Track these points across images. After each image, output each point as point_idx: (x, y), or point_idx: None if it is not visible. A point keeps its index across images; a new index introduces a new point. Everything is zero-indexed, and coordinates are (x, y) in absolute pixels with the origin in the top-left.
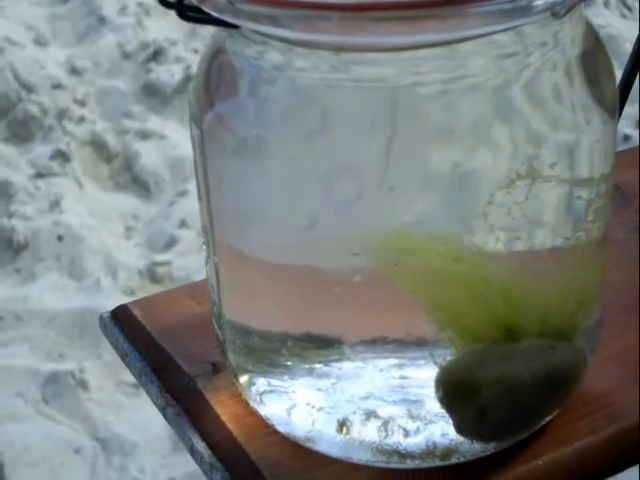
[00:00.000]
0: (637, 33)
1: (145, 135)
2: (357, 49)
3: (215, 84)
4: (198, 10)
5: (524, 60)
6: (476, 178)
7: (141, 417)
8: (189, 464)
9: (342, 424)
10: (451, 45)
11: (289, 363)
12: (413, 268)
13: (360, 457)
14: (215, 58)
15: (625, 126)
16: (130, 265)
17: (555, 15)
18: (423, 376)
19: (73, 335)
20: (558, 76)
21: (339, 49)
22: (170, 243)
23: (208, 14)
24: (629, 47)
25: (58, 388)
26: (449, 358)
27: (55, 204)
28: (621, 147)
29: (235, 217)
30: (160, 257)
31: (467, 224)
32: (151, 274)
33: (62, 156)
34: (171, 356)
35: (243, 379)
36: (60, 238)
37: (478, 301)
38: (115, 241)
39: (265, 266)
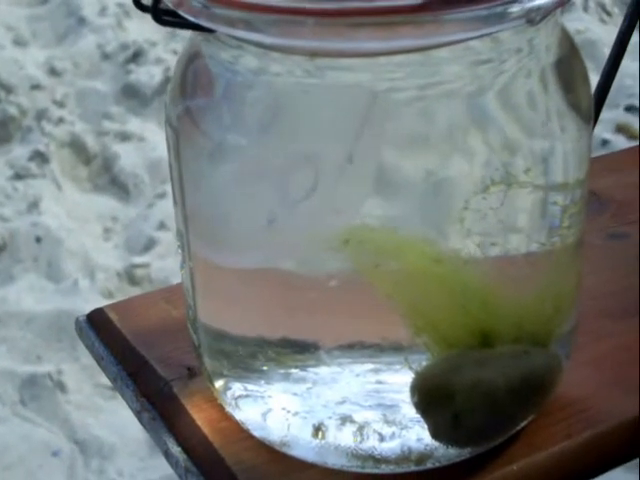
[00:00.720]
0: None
1: (124, 137)
2: (332, 54)
3: (191, 88)
4: (174, 14)
5: (499, 67)
6: (451, 184)
7: (119, 420)
8: (167, 467)
9: (317, 429)
10: (427, 51)
11: (265, 368)
12: (392, 270)
13: (335, 462)
14: (191, 62)
15: (604, 131)
16: (108, 267)
17: (530, 22)
18: (399, 381)
19: (51, 337)
20: (533, 83)
21: (314, 54)
22: (149, 245)
23: (184, 18)
24: (608, 52)
25: (36, 390)
26: (424, 363)
27: (33, 205)
28: (599, 152)
29: (210, 221)
30: (139, 259)
31: (443, 229)
32: (129, 276)
33: (41, 157)
34: (147, 360)
35: (218, 384)
36: (38, 240)
37: (454, 306)
38: (93, 243)
39: (240, 270)
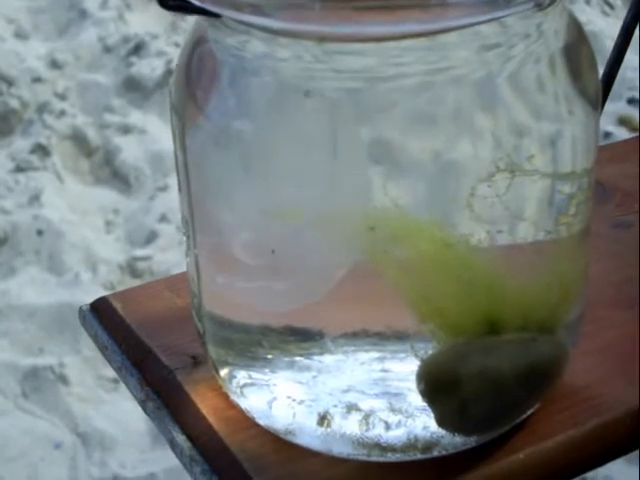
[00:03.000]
0: (619, 30)
1: (126, 129)
2: (340, 39)
3: (196, 74)
4: None
5: (507, 52)
6: (459, 169)
7: (121, 412)
8: (169, 459)
9: (323, 417)
10: (434, 36)
11: (270, 356)
12: (399, 256)
13: (341, 450)
14: (196, 48)
15: (606, 123)
16: (110, 260)
17: (539, 6)
18: (404, 369)
19: (53, 330)
20: (541, 68)
21: (322, 39)
22: (150, 238)
23: (190, 3)
24: (610, 44)
25: (38, 383)
26: (430, 351)
27: (35, 198)
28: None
29: (216, 209)
30: (140, 252)
31: (450, 216)
32: (131, 269)
33: (42, 150)
34: (151, 349)
35: (223, 372)
36: (40, 232)
37: (461, 293)
38: (95, 236)
39: (246, 258)
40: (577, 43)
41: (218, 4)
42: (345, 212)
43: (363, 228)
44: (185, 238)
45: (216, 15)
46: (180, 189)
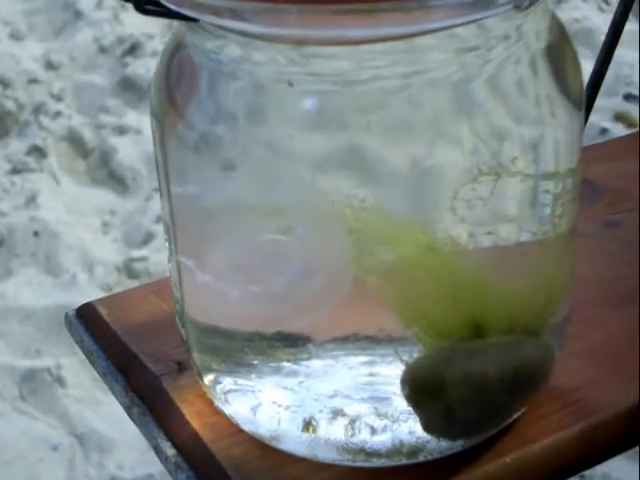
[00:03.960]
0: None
1: (122, 130)
2: (318, 42)
3: (175, 78)
4: (156, 3)
5: (486, 54)
6: (439, 173)
7: (119, 413)
8: None
9: (308, 423)
10: (411, 39)
11: (255, 362)
12: (384, 261)
13: (326, 456)
14: (176, 52)
15: (602, 120)
16: (107, 261)
17: (518, 8)
18: (391, 373)
19: (50, 331)
20: (522, 70)
21: (300, 42)
22: (147, 239)
23: (167, 7)
24: None
25: (35, 385)
26: (415, 355)
27: (31, 200)
28: (598, 141)
29: (196, 214)
30: (137, 253)
31: (433, 219)
32: (128, 270)
33: (38, 151)
34: (136, 355)
35: (208, 378)
36: (36, 234)
37: (445, 297)
38: (92, 237)
39: (226, 265)
40: (560, 44)
41: (195, 8)
42: (326, 217)
43: (345, 232)
44: (167, 243)
45: (193, 19)
46: (161, 194)
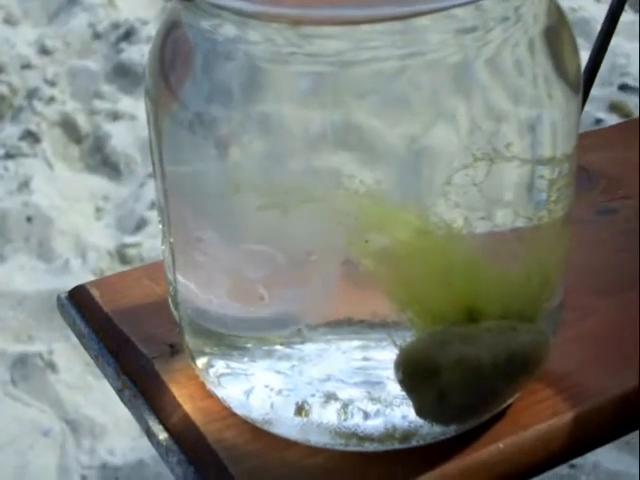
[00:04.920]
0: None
1: (116, 116)
2: (315, 22)
3: (170, 58)
4: None
5: (485, 36)
6: (436, 155)
7: (110, 399)
8: None
9: (301, 407)
10: (409, 20)
11: (248, 345)
12: (378, 244)
13: (318, 440)
14: (170, 32)
15: (597, 110)
16: (100, 246)
17: None
18: (385, 358)
19: (42, 317)
20: (520, 52)
21: (297, 22)
22: (140, 225)
23: None
24: None
25: (27, 370)
26: (409, 339)
27: (24, 185)
28: None
29: (190, 195)
30: (130, 239)
31: (428, 203)
32: (121, 256)
33: (32, 136)
34: (128, 337)
35: (200, 361)
36: (29, 219)
37: (440, 281)
38: (85, 222)
39: (219, 247)
40: (558, 27)
41: None
42: (321, 199)
43: (340, 214)
44: (161, 226)
45: None
46: (155, 176)
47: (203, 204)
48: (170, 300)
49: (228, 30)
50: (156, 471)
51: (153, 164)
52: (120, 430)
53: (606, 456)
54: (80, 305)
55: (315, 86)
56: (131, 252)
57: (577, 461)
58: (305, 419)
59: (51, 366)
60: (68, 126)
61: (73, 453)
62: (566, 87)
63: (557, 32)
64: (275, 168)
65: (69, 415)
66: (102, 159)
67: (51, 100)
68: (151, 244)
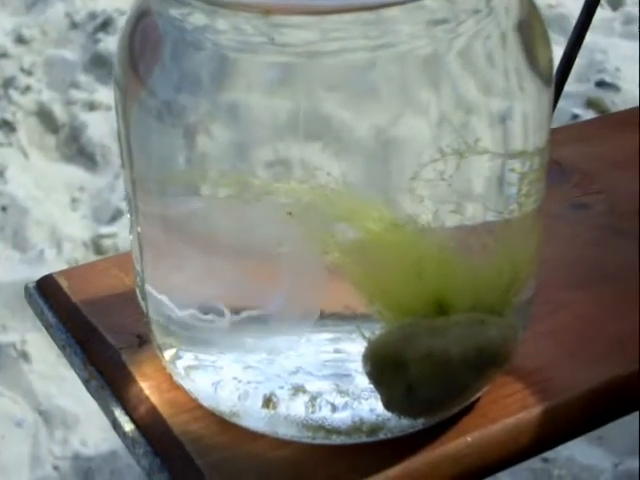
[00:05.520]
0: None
1: (92, 106)
2: (284, 11)
3: (139, 46)
4: None
5: (456, 28)
6: (406, 147)
7: (83, 390)
8: None
9: (268, 399)
10: (378, 10)
11: (217, 337)
12: (347, 236)
13: (286, 432)
14: (140, 20)
15: (574, 106)
16: (75, 237)
17: None
18: (355, 350)
19: (16, 307)
20: (492, 45)
21: (266, 11)
22: (116, 215)
23: None
24: None
25: (0, 360)
26: (378, 332)
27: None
28: None
29: (157, 185)
30: (106, 229)
31: (398, 196)
32: (96, 246)
33: (7, 126)
34: (96, 328)
35: (167, 352)
36: (4, 209)
37: (409, 274)
38: (60, 213)
39: (188, 237)
40: (530, 20)
41: None
42: (289, 190)
43: (308, 206)
44: (129, 215)
45: None
46: (123, 165)
47: (170, 192)
48: (138, 291)
49: (197, 19)
50: (128, 462)
51: (121, 153)
52: (93, 421)
53: (579, 450)
54: (48, 295)
55: (284, 76)
56: (106, 243)
57: (550, 455)
58: (272, 411)
59: (24, 356)
60: (44, 116)
61: (46, 443)
62: (538, 79)
63: (529, 25)
64: (243, 158)
65: (42, 405)
66: (78, 149)
67: (27, 89)
68: (126, 235)
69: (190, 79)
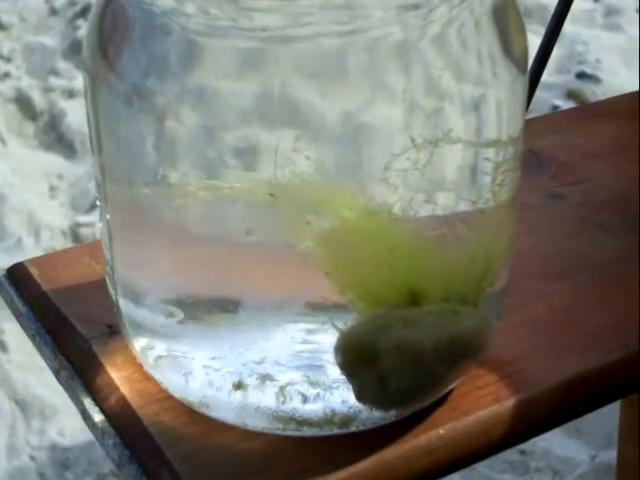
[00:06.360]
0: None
1: (71, 93)
2: None
3: (108, 30)
4: None
5: (428, 14)
6: (378, 135)
7: None
8: None
9: (237, 387)
10: None
11: (187, 327)
12: (319, 225)
13: (256, 424)
14: (109, 3)
15: (554, 97)
16: (53, 225)
17: None
18: (327, 341)
19: None
20: (466, 31)
21: None
22: (94, 204)
23: None
24: None
25: None
26: (350, 323)
27: None
28: None
29: (126, 171)
30: (84, 218)
31: (372, 184)
32: (74, 235)
33: None
34: (66, 317)
35: (137, 342)
36: None
37: (382, 263)
38: (39, 200)
39: (157, 225)
40: (504, 6)
41: None
42: (259, 177)
43: (279, 194)
44: (98, 202)
45: None
46: (92, 150)
47: (139, 180)
48: (107, 279)
49: (165, 2)
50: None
51: (90, 139)
52: (70, 411)
53: (556, 442)
54: (18, 283)
55: (253, 61)
56: (85, 231)
57: (527, 447)
58: (243, 402)
59: (1, 345)
60: (23, 102)
61: (23, 434)
62: (512, 66)
63: (504, 11)
64: (212, 143)
65: (19, 395)
66: (57, 137)
67: (6, 76)
68: None
69: (159, 63)
